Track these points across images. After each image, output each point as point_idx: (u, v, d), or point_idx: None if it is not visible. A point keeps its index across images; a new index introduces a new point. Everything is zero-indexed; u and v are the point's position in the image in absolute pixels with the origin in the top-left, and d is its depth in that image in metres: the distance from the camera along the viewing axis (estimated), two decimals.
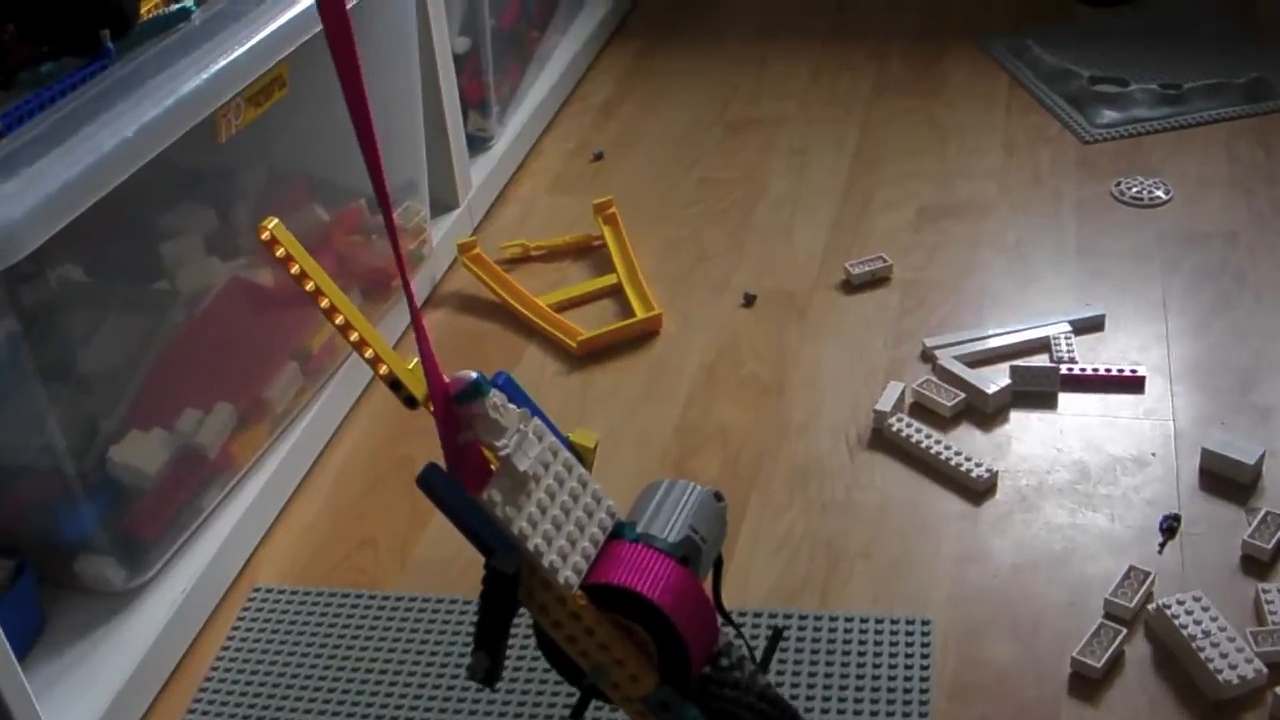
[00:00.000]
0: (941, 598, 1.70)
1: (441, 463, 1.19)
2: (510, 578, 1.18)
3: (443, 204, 2.50)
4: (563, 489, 1.22)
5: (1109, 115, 2.73)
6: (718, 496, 1.34)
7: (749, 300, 2.28)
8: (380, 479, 2.00)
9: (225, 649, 1.74)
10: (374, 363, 1.19)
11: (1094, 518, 1.79)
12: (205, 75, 1.63)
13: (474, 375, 1.15)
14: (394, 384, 1.18)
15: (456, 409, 1.17)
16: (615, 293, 2.35)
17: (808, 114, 2.90)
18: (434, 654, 1.70)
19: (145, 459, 1.72)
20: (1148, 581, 1.66)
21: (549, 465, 1.21)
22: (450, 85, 2.44)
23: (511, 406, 1.18)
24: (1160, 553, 1.73)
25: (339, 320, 1.18)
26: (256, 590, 1.82)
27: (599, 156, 2.80)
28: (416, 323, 1.14)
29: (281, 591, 1.82)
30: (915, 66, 3.06)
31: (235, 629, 1.77)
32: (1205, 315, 2.16)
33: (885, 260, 2.31)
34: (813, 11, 3.38)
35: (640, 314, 2.25)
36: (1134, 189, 2.48)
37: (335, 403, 2.08)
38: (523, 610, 1.24)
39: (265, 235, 1.17)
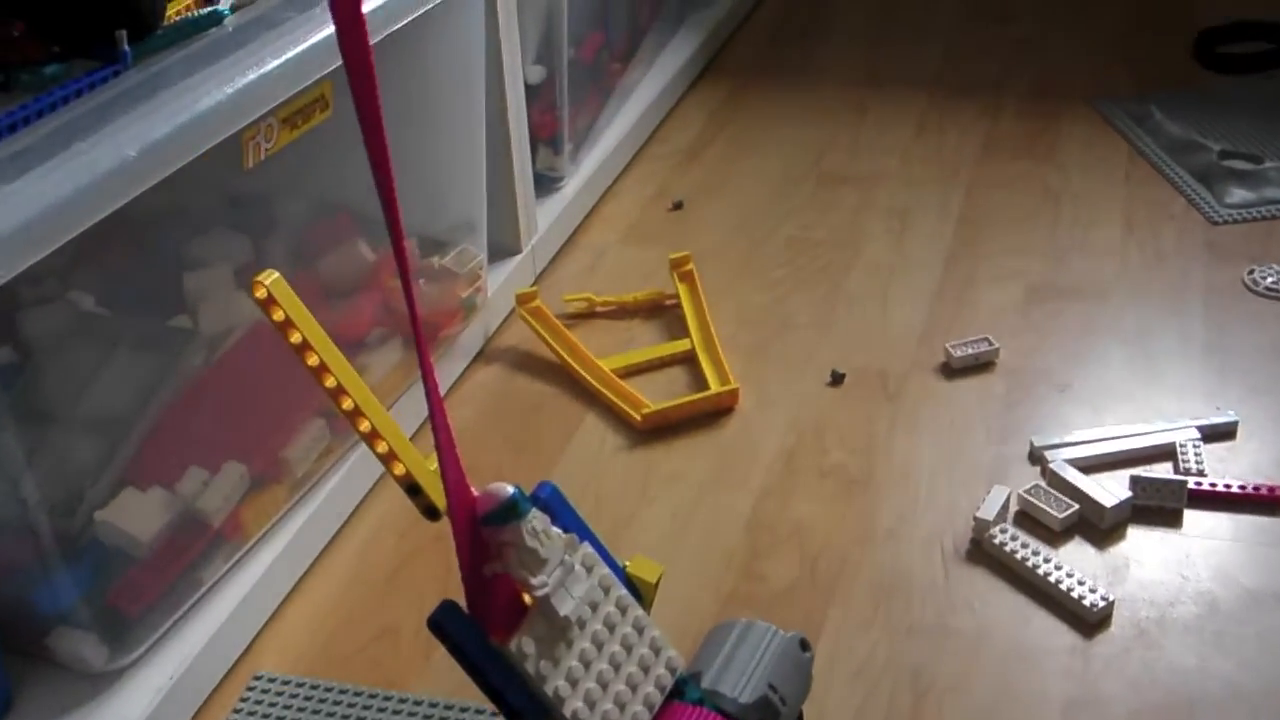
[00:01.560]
0: None
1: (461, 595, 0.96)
2: None
3: (503, 248, 2.31)
4: (613, 637, 0.98)
5: (1240, 194, 2.50)
6: (803, 645, 1.10)
7: (837, 379, 2.06)
8: (411, 557, 1.80)
9: None
10: (388, 460, 0.96)
11: (1225, 664, 1.57)
12: (231, 89, 1.44)
13: (510, 490, 0.92)
14: (412, 488, 0.96)
15: (485, 532, 0.93)
16: (688, 361, 2.15)
17: (909, 172, 2.68)
18: None
19: (139, 523, 1.54)
20: None
21: (598, 606, 0.98)
22: (520, 118, 2.26)
23: (555, 531, 0.95)
24: None
25: (347, 405, 0.95)
26: (258, 679, 1.63)
27: (679, 205, 2.59)
28: (436, 415, 0.91)
29: (286, 682, 1.62)
30: (1028, 127, 2.83)
31: None
32: None
33: (991, 343, 2.09)
34: (918, 60, 3.17)
35: (715, 387, 2.04)
36: (1269, 278, 2.24)
37: (364, 467, 1.86)
38: None
39: (261, 293, 0.94)
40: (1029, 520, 1.78)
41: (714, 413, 2.03)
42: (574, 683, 0.94)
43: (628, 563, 1.05)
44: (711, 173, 2.74)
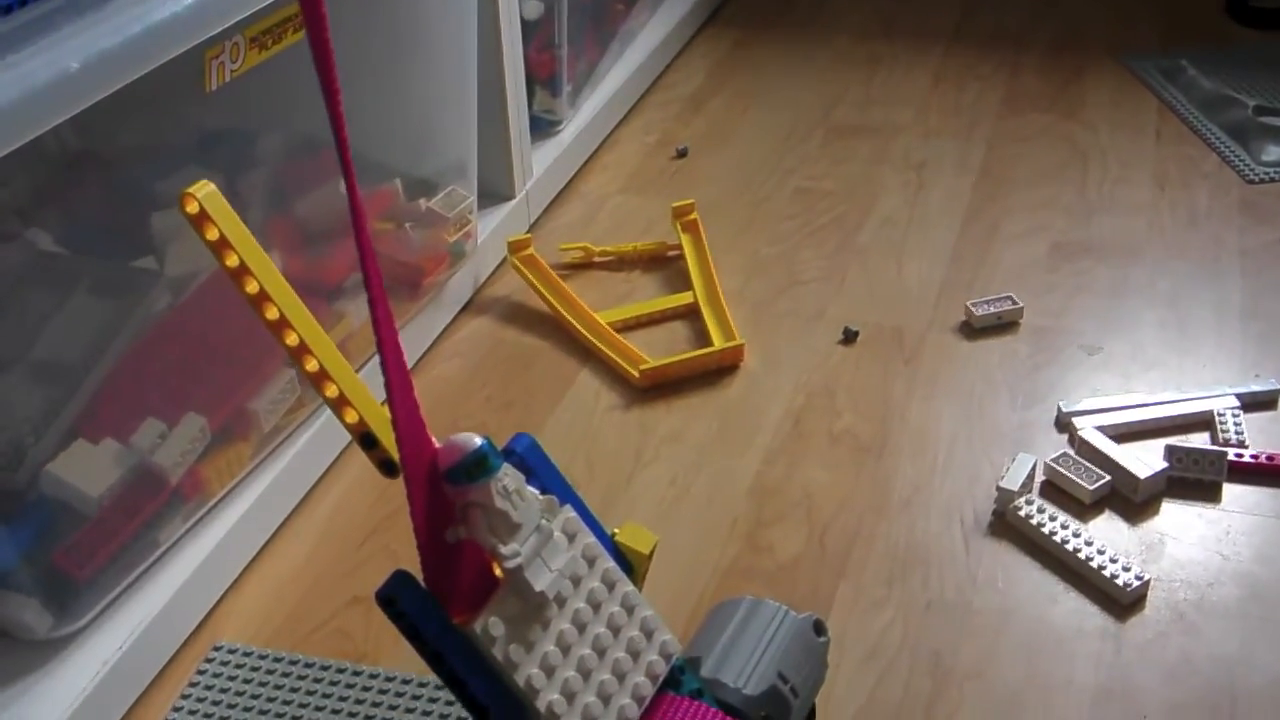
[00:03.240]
0: None
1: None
2: None
3: (496, 193, 2.18)
4: (598, 617, 0.84)
5: (1277, 152, 2.36)
6: (818, 628, 0.96)
7: (849, 336, 1.93)
8: (386, 522, 1.68)
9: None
10: (339, 406, 0.82)
11: (1270, 653, 1.44)
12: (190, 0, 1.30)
13: (477, 441, 0.78)
14: (366, 439, 0.82)
15: (447, 491, 0.79)
16: (690, 315, 2.02)
17: (926, 125, 2.54)
18: None
19: (89, 478, 1.43)
20: None
21: (580, 580, 0.84)
22: (515, 55, 2.13)
23: (531, 491, 0.81)
24: None
25: (291, 340, 0.81)
26: (217, 649, 1.51)
27: (682, 154, 2.46)
28: (385, 345, 0.77)
29: (248, 654, 1.50)
30: (1051, 81, 2.69)
31: (186, 696, 1.45)
32: None
33: (1015, 301, 1.95)
34: (934, 12, 3.03)
35: (719, 343, 1.91)
36: None
37: (338, 424, 1.71)
38: None
39: (192, 207, 0.80)
40: (1056, 491, 1.65)
41: (717, 370, 1.90)
42: (550, 671, 0.80)
43: (617, 531, 0.91)
44: (717, 122, 2.60)
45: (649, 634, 0.86)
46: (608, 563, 0.85)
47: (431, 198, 1.91)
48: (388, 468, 0.82)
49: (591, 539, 0.85)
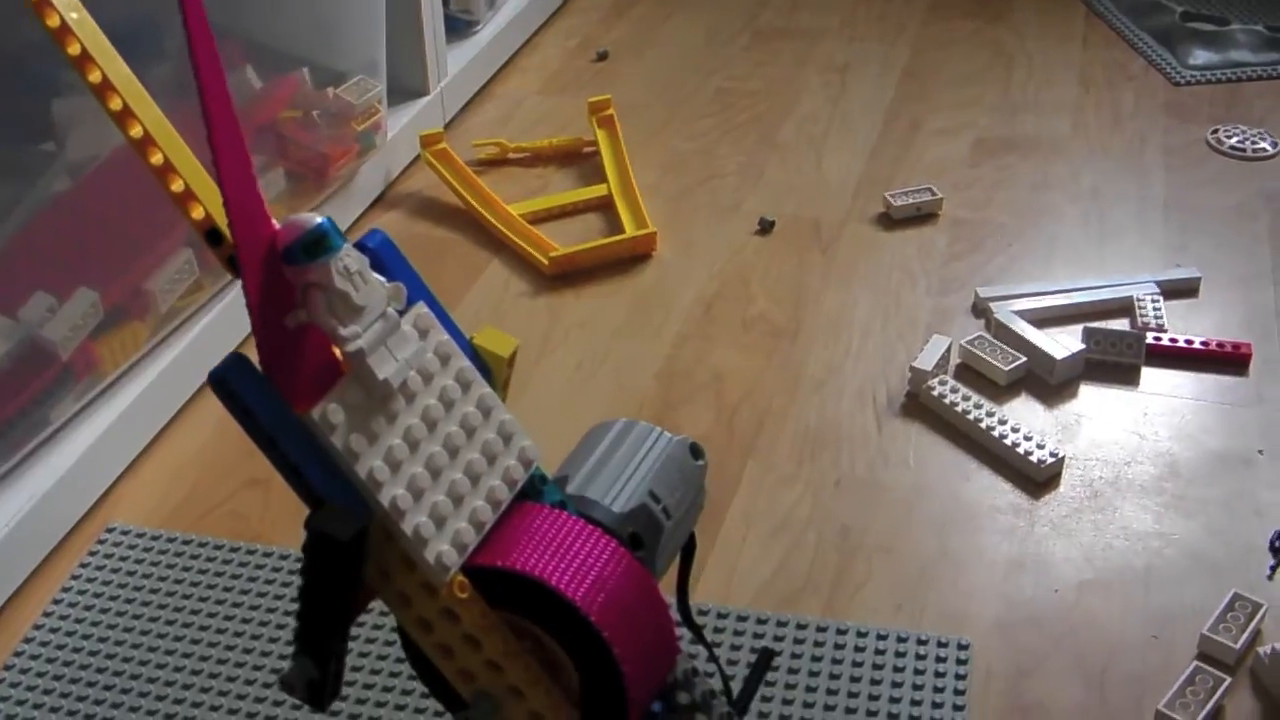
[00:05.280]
0: (986, 616, 1.32)
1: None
2: (346, 547, 0.76)
3: (410, 89, 2.14)
4: (450, 416, 0.79)
5: (1204, 56, 2.34)
6: (695, 451, 0.91)
7: (765, 226, 1.89)
8: None
9: (59, 601, 1.38)
10: (184, 201, 0.77)
11: (1187, 527, 1.41)
12: None
13: (318, 219, 0.73)
14: (212, 235, 0.77)
15: (288, 273, 0.75)
16: (605, 207, 1.97)
17: (852, 30, 2.50)
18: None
19: None
20: (1257, 617, 1.29)
21: (433, 378, 0.79)
22: None
23: (377, 278, 0.77)
24: (1271, 578, 1.36)
25: (135, 132, 0.76)
26: (110, 530, 1.46)
27: (603, 56, 2.42)
28: (211, 112, 0.72)
29: (141, 535, 1.45)
30: None
31: (76, 577, 1.40)
32: None
33: (934, 193, 1.92)
34: None
35: (631, 231, 1.85)
36: (1234, 138, 2.08)
37: (240, 305, 1.66)
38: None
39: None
40: (971, 374, 1.62)
41: (630, 259, 1.86)
42: (395, 465, 0.75)
43: (475, 335, 0.86)
44: (639, 27, 2.55)
45: (507, 438, 0.81)
46: (463, 362, 0.81)
47: (340, 86, 1.87)
48: (234, 264, 0.77)
49: (446, 337, 0.80)
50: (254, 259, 0.74)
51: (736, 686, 1.07)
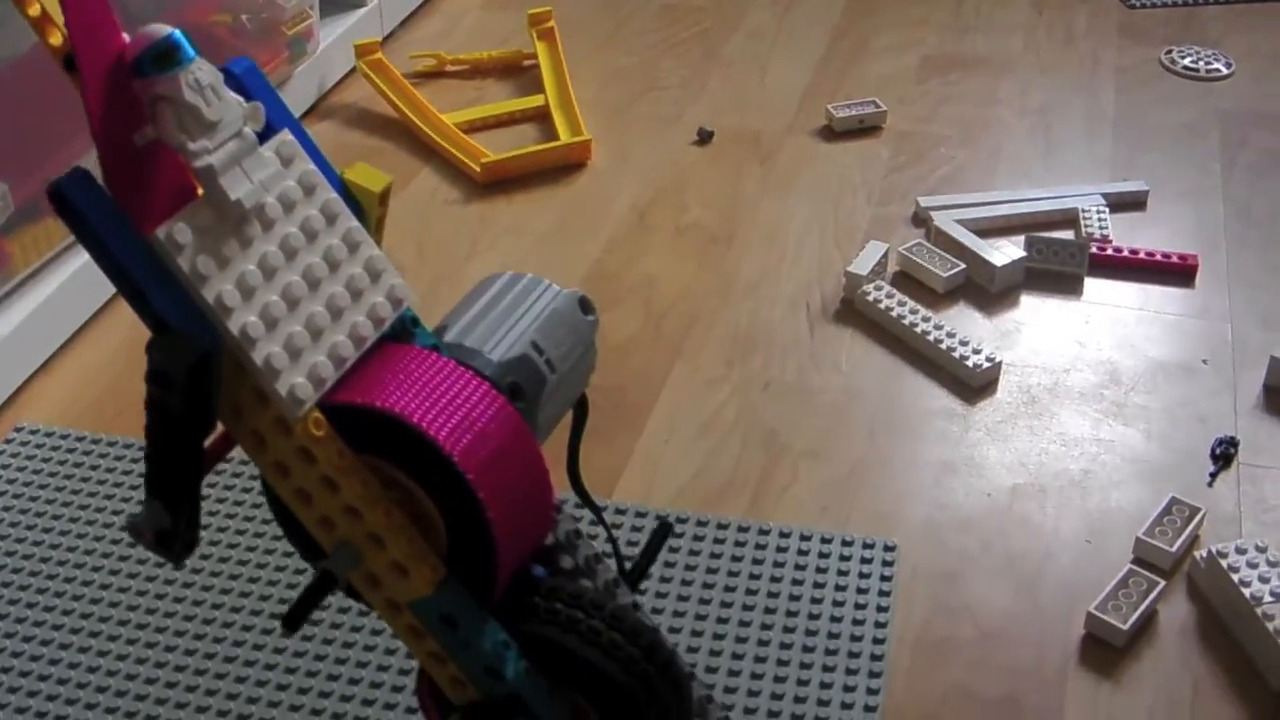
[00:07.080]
0: (914, 518, 1.29)
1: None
2: (194, 372, 0.71)
3: (347, 0, 2.05)
4: (312, 247, 0.74)
5: None
6: (585, 305, 0.86)
7: (704, 137, 1.85)
8: None
9: None
10: (42, 26, 0.72)
11: (1126, 434, 1.38)
12: None
13: (168, 30, 0.68)
14: (70, 61, 0.72)
15: (136, 86, 0.70)
16: (541, 118, 1.93)
17: None
18: (241, 531, 1.29)
19: None
20: (1195, 520, 1.26)
21: (294, 207, 0.73)
22: None
23: (232, 96, 0.71)
24: (1211, 484, 1.34)
25: None
26: (19, 430, 1.42)
27: None
28: None
29: (49, 434, 1.41)
30: None
31: None
32: (1274, 203, 1.75)
33: (878, 105, 1.88)
34: None
35: (565, 138, 1.80)
36: (1188, 58, 2.05)
37: None
38: None
39: None
40: (909, 281, 1.58)
41: (564, 168, 1.82)
42: (247, 292, 0.69)
43: (346, 171, 0.80)
44: None
45: (375, 275, 0.75)
46: (330, 194, 0.75)
47: None
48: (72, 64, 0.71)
49: (312, 167, 0.75)
50: (98, 69, 0.69)
51: (627, 560, 1.02)
